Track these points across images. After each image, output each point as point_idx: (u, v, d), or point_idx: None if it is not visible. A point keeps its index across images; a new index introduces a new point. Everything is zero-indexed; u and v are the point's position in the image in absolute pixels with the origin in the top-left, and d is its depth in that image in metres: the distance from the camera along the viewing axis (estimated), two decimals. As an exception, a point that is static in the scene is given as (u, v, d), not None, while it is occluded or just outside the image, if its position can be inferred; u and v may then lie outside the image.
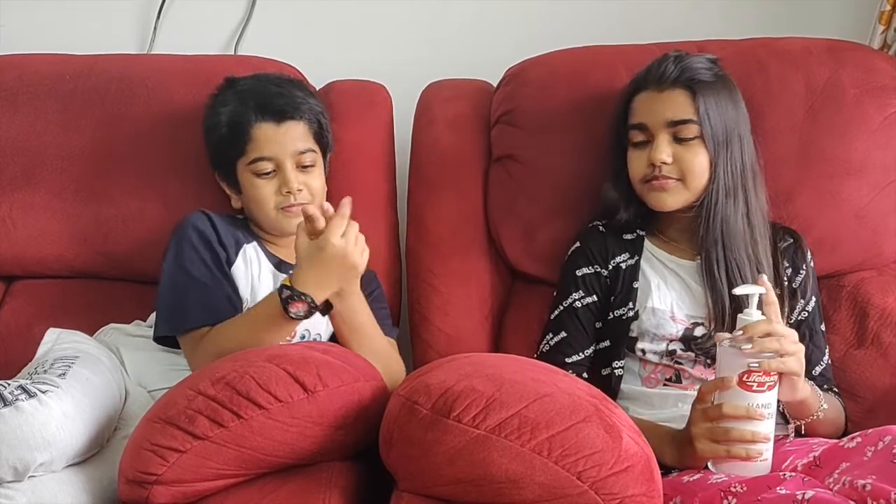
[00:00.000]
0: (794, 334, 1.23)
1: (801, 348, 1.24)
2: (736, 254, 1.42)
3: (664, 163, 1.41)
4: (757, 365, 1.18)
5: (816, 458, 1.20)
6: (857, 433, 1.19)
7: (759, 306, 1.23)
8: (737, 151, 1.43)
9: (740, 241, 1.42)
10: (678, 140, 1.42)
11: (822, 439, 1.30)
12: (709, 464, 1.21)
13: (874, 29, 1.80)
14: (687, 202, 1.44)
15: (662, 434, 1.29)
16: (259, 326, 1.32)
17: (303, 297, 1.28)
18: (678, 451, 1.26)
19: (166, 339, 1.42)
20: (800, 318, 1.47)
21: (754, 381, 1.19)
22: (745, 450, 1.19)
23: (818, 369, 1.45)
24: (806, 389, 1.28)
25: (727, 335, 1.24)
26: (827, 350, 1.48)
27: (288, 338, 1.40)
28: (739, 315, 1.23)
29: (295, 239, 1.33)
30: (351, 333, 1.37)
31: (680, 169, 1.41)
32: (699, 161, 1.41)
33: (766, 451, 1.20)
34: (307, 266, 1.30)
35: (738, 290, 1.25)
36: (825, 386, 1.44)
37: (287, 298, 1.28)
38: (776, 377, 1.21)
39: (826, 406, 1.33)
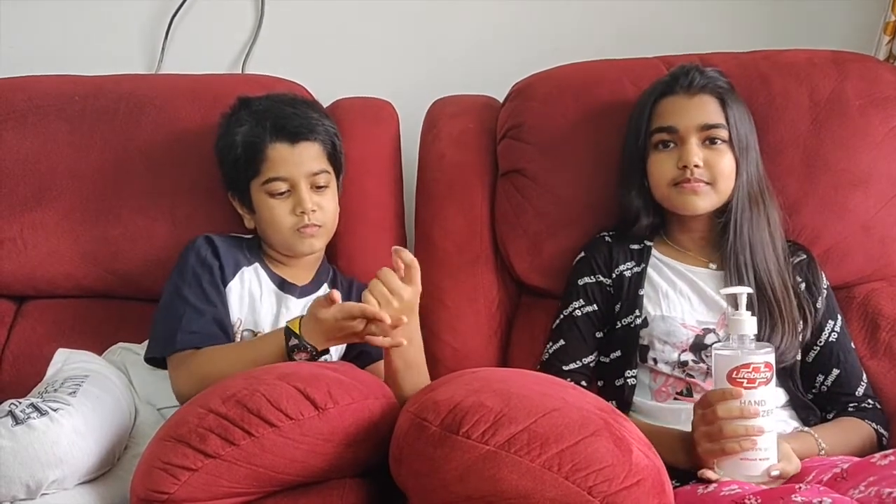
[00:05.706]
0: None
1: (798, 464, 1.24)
2: (764, 263, 1.43)
3: (697, 165, 1.42)
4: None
5: (843, 472, 1.19)
6: (890, 451, 1.17)
7: (749, 307, 1.24)
8: (753, 160, 1.46)
9: (769, 251, 1.44)
10: (706, 144, 1.44)
11: (847, 456, 1.29)
12: (715, 465, 1.21)
13: (879, 39, 1.80)
14: (714, 207, 1.45)
15: (674, 438, 1.30)
16: (254, 361, 1.30)
17: (308, 349, 1.29)
18: (689, 454, 1.26)
19: (157, 361, 1.42)
20: (830, 339, 1.47)
21: (744, 378, 1.19)
22: (739, 444, 1.19)
23: (860, 390, 1.45)
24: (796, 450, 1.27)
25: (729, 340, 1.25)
26: (863, 369, 1.48)
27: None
28: (730, 317, 1.24)
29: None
30: (407, 369, 1.36)
31: (710, 173, 1.43)
32: (728, 165, 1.44)
33: (765, 449, 1.20)
34: (315, 319, 1.29)
35: (725, 290, 1.29)
36: (869, 402, 1.44)
37: (294, 347, 1.29)
38: (769, 373, 1.20)
39: (826, 446, 1.33)
